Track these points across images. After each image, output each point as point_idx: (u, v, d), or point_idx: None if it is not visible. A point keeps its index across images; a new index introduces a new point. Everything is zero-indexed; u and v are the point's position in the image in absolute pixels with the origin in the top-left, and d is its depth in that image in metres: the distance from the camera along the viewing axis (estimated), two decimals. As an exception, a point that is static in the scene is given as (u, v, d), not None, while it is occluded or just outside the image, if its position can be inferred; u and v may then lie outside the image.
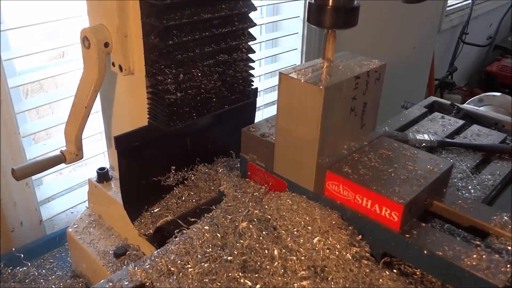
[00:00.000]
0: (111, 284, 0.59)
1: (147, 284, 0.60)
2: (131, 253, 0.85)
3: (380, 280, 0.56)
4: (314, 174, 0.65)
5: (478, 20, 3.36)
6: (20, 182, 1.11)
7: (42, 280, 0.95)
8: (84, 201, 1.23)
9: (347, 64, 0.68)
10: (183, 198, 0.86)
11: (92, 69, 0.78)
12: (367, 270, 0.57)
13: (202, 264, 0.60)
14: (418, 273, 0.59)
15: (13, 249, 1.01)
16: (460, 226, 0.63)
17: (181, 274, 0.60)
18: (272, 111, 1.87)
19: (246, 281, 0.57)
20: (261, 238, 0.61)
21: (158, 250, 0.65)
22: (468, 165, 0.93)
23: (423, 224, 0.60)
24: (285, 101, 0.65)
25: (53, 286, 0.94)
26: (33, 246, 1.06)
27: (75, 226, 0.95)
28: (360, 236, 0.61)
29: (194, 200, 0.86)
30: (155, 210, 0.84)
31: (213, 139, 0.95)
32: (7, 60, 1.05)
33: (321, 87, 0.60)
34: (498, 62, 3.56)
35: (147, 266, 0.61)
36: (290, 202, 0.66)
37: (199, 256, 0.61)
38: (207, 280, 0.58)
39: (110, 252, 0.87)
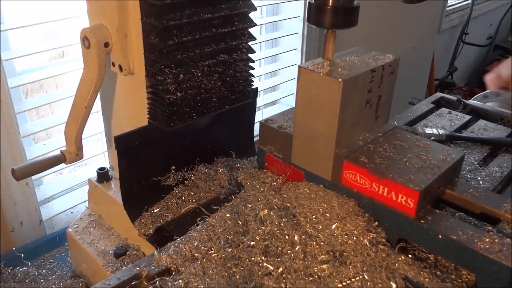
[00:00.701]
0: (138, 268, 0.61)
1: (172, 268, 0.62)
2: (131, 253, 0.85)
3: (396, 264, 0.58)
4: (332, 163, 0.67)
5: (478, 20, 3.36)
6: (20, 182, 1.11)
7: (42, 280, 0.95)
8: (84, 201, 1.23)
9: (363, 59, 0.70)
10: (183, 198, 0.86)
11: (92, 69, 0.78)
12: (384, 255, 0.60)
13: (226, 249, 0.62)
14: (431, 258, 0.61)
15: (13, 249, 1.01)
16: (471, 213, 0.65)
17: (204, 259, 0.62)
18: (272, 111, 1.87)
19: (268, 265, 0.59)
20: (281, 224, 0.63)
21: (181, 237, 0.67)
22: (476, 158, 0.96)
23: (437, 211, 0.62)
24: (303, 94, 0.68)
25: (53, 286, 0.94)
26: (33, 246, 1.06)
27: (75, 226, 0.95)
28: (376, 223, 0.63)
29: (194, 200, 0.86)
30: (155, 210, 0.84)
31: (213, 139, 0.95)
32: (7, 60, 1.05)
33: (340, 79, 0.62)
34: (498, 62, 3.54)
35: (172, 252, 0.63)
36: (308, 191, 0.68)
37: (221, 242, 0.63)
38: (230, 264, 0.60)
39: (110, 252, 0.87)
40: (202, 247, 0.64)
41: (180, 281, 0.59)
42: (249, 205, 0.69)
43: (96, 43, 0.76)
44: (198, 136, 0.92)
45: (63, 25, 1.14)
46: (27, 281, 0.94)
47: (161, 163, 0.86)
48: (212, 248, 0.63)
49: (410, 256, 0.61)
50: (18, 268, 0.97)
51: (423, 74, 2.88)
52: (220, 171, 0.91)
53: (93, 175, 0.97)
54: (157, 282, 0.59)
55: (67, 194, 1.30)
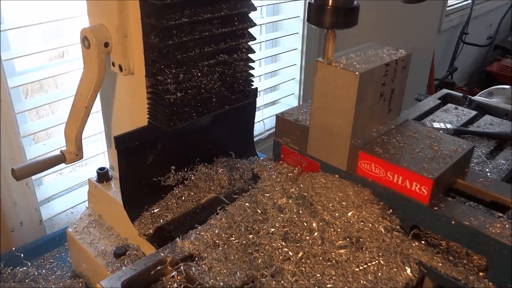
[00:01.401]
0: (162, 254, 0.63)
1: (195, 254, 0.64)
2: (131, 253, 0.85)
3: (410, 250, 0.61)
4: (347, 154, 0.69)
5: (478, 20, 3.36)
6: (20, 182, 1.11)
7: (42, 280, 0.95)
8: (84, 201, 1.23)
9: (377, 53, 0.73)
10: (183, 198, 0.86)
11: (92, 69, 0.78)
12: (398, 241, 0.62)
13: (247, 235, 0.64)
14: (443, 244, 0.64)
15: (13, 249, 1.01)
16: (481, 201, 0.67)
17: (225, 245, 0.64)
18: (272, 111, 1.87)
19: (288, 250, 0.61)
20: (300, 212, 0.66)
21: (202, 225, 0.69)
22: (483, 151, 0.98)
23: (449, 199, 0.64)
24: (320, 87, 0.70)
25: (53, 286, 0.94)
26: (33, 246, 1.06)
27: (75, 226, 0.95)
28: (391, 210, 0.65)
29: (194, 200, 0.86)
30: (155, 210, 0.84)
31: (213, 139, 0.95)
32: (7, 60, 1.05)
33: (356, 73, 0.65)
34: (498, 62, 3.56)
35: (193, 239, 0.65)
36: (324, 180, 0.71)
37: (242, 229, 0.66)
38: (251, 250, 0.63)
39: (110, 252, 0.87)
40: (223, 234, 0.66)
41: (204, 265, 0.61)
42: (267, 195, 0.71)
43: (96, 43, 0.76)
44: (198, 136, 0.92)
45: (63, 25, 1.14)
46: (27, 281, 0.94)
47: (161, 163, 0.86)
48: (233, 235, 0.65)
49: (423, 242, 0.63)
50: (18, 268, 0.97)
51: (423, 74, 2.88)
52: (220, 171, 0.91)
53: (93, 175, 0.97)
54: (181, 267, 0.61)
55: (67, 194, 1.30)
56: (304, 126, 0.74)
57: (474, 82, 3.68)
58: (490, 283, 0.57)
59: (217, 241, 0.65)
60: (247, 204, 0.70)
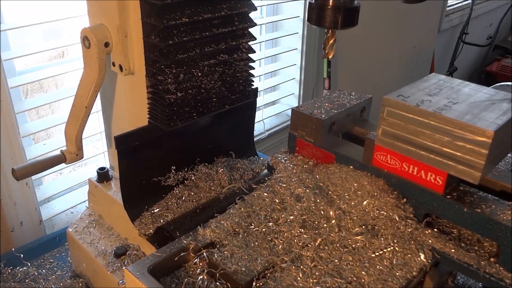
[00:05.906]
0: (185, 242, 0.65)
1: (216, 242, 0.66)
2: (131, 253, 0.85)
3: (424, 237, 0.63)
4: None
5: (478, 20, 3.36)
6: (20, 182, 1.11)
7: (42, 280, 0.95)
8: (84, 201, 1.24)
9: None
10: (183, 198, 0.86)
11: (92, 69, 0.78)
12: (412, 228, 0.64)
13: (266, 223, 0.66)
14: (455, 231, 0.65)
15: (13, 249, 1.01)
16: (491, 191, 0.69)
17: (246, 233, 0.66)
18: (272, 111, 1.87)
19: (307, 237, 0.64)
20: (317, 200, 0.68)
21: (221, 214, 0.70)
22: None
23: (461, 188, 0.66)
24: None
25: (53, 286, 0.94)
26: (33, 246, 1.06)
27: (75, 226, 0.95)
28: (405, 199, 0.67)
29: (194, 200, 0.86)
30: (155, 210, 0.84)
31: (213, 139, 0.95)
32: (7, 60, 1.05)
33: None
34: (498, 62, 3.56)
35: (214, 227, 0.67)
36: (339, 172, 0.73)
37: (261, 218, 0.68)
38: (270, 237, 0.65)
39: (110, 252, 0.87)
40: (243, 223, 0.68)
41: (226, 252, 0.63)
42: (284, 185, 0.72)
43: (96, 43, 0.76)
44: (198, 136, 0.92)
45: (63, 25, 1.14)
46: (27, 281, 0.94)
47: (161, 163, 0.86)
48: (253, 224, 0.67)
49: (435, 230, 0.64)
50: (18, 268, 0.97)
51: (423, 74, 2.87)
52: (220, 171, 0.91)
53: (93, 175, 0.97)
54: (204, 254, 0.62)
55: (67, 194, 1.30)
56: (320, 119, 0.75)
57: (474, 82, 3.67)
58: (501, 268, 0.58)
59: (237, 229, 0.67)
60: (265, 194, 0.72)
